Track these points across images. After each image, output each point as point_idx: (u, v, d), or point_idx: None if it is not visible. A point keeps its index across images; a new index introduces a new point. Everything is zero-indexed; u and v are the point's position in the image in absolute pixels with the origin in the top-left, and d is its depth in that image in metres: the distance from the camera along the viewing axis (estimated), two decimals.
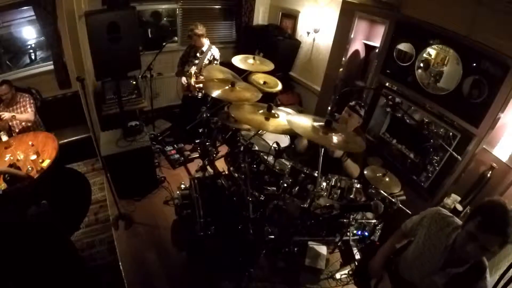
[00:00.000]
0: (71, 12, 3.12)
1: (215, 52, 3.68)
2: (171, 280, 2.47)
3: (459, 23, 2.35)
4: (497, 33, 2.14)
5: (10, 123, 3.14)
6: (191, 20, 4.08)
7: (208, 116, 2.69)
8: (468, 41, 2.29)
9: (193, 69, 3.68)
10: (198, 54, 3.66)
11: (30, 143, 2.91)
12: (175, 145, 4.00)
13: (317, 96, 4.19)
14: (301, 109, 4.49)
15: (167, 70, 4.29)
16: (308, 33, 4.22)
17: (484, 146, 2.33)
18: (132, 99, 3.89)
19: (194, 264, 2.56)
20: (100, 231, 2.89)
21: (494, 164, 2.31)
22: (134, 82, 3.94)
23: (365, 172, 2.37)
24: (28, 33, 3.91)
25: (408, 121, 2.87)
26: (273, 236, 2.32)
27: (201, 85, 3.59)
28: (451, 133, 2.51)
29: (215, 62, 3.70)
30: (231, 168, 2.47)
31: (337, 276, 2.64)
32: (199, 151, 3.27)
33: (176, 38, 4.26)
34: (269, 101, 2.24)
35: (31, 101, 3.20)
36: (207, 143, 2.79)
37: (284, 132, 2.02)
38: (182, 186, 3.13)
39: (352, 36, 3.47)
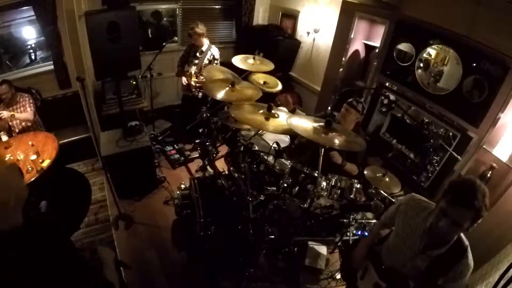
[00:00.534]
0: (71, 12, 3.13)
1: (215, 51, 3.67)
2: (171, 280, 2.47)
3: (459, 23, 2.35)
4: (497, 33, 2.14)
5: (10, 123, 3.13)
6: (191, 20, 4.08)
7: (208, 116, 2.69)
8: (468, 41, 2.29)
9: (193, 69, 3.68)
10: (198, 54, 3.66)
11: (30, 143, 2.91)
12: (175, 145, 4.00)
13: (317, 96, 4.20)
14: (301, 109, 4.49)
15: (167, 70, 4.29)
16: (308, 33, 4.22)
17: (484, 146, 2.33)
18: (132, 99, 3.89)
19: (194, 264, 2.55)
20: (100, 231, 2.88)
21: (494, 164, 2.31)
22: (134, 82, 3.94)
23: (365, 172, 2.37)
24: (28, 33, 3.90)
25: (408, 121, 2.88)
26: (273, 236, 2.32)
27: (201, 84, 3.59)
28: (451, 133, 2.51)
29: (215, 61, 3.69)
30: (231, 168, 2.47)
31: (337, 276, 2.64)
32: (199, 151, 3.27)
33: (176, 38, 4.26)
34: (269, 101, 2.25)
35: (31, 101, 3.20)
36: (207, 143, 2.79)
37: (284, 132, 2.02)
38: (182, 186, 3.13)
39: (352, 36, 3.47)
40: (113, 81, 3.37)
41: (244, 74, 2.95)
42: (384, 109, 3.15)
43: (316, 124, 1.91)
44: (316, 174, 2.09)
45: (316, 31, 4.09)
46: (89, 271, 1.63)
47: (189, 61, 3.74)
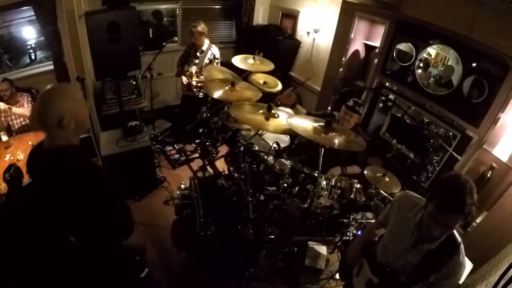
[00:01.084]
0: (71, 12, 3.13)
1: (215, 51, 3.68)
2: (171, 280, 2.47)
3: (459, 23, 2.35)
4: (497, 33, 2.14)
5: (10, 122, 3.14)
6: (191, 20, 4.08)
7: (208, 116, 2.69)
8: (468, 41, 2.29)
9: (193, 69, 3.68)
10: (198, 54, 3.66)
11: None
12: (175, 145, 4.00)
13: (317, 96, 4.20)
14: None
15: (167, 70, 4.29)
16: (308, 33, 4.22)
17: (484, 146, 2.33)
18: (132, 99, 3.88)
19: (194, 264, 2.55)
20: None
21: (494, 164, 2.31)
22: (134, 82, 3.93)
23: (365, 172, 2.37)
24: (28, 33, 3.91)
25: (408, 121, 2.88)
26: (273, 236, 2.32)
27: (202, 84, 3.59)
28: (451, 133, 2.51)
29: (216, 61, 3.70)
30: (231, 168, 2.47)
31: (337, 276, 2.64)
32: (199, 151, 3.27)
33: (176, 38, 4.26)
34: (269, 101, 2.25)
35: (29, 99, 3.20)
36: (207, 143, 2.79)
37: (284, 132, 2.02)
38: (182, 186, 3.13)
39: (352, 36, 3.47)
40: (113, 81, 3.37)
41: (244, 74, 2.95)
42: (384, 109, 3.15)
43: (316, 124, 1.91)
44: (316, 174, 2.09)
45: (316, 31, 4.09)
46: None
47: (189, 60, 3.74)
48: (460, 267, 1.28)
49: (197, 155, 3.82)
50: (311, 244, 2.71)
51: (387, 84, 3.04)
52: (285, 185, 2.15)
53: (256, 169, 2.29)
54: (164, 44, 3.54)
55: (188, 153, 3.92)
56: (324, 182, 2.21)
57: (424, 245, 1.32)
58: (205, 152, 2.82)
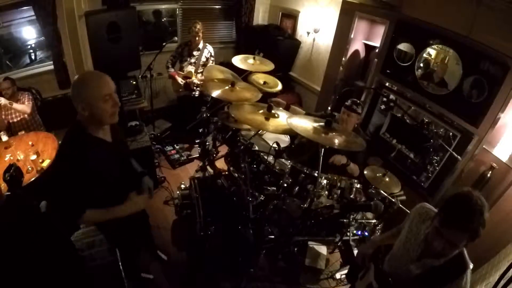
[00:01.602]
0: (71, 12, 3.13)
1: (211, 49, 3.72)
2: (171, 280, 2.47)
3: (459, 23, 2.35)
4: (497, 33, 2.14)
5: (11, 120, 3.14)
6: (191, 20, 4.08)
7: (208, 116, 2.69)
8: (468, 41, 2.29)
9: (191, 68, 3.68)
10: (194, 52, 3.66)
11: (30, 143, 2.91)
12: (175, 145, 4.01)
13: (317, 96, 4.19)
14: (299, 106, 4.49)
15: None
16: (308, 33, 4.22)
17: (484, 146, 2.33)
18: (132, 99, 3.89)
19: (194, 264, 2.55)
20: (100, 231, 2.88)
21: (494, 164, 2.31)
22: (134, 82, 3.94)
23: (365, 172, 2.37)
24: (28, 33, 3.91)
25: (408, 121, 2.88)
26: (273, 236, 2.32)
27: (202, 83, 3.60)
28: (451, 133, 2.51)
29: (212, 59, 3.74)
30: (231, 168, 2.47)
31: (337, 276, 2.64)
32: (199, 151, 3.27)
33: (176, 38, 4.26)
34: None
35: (30, 97, 3.20)
36: (207, 143, 2.79)
37: (284, 132, 2.02)
38: (182, 186, 3.13)
39: (352, 36, 3.47)
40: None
41: (244, 74, 2.96)
42: (384, 109, 3.15)
43: (316, 124, 1.91)
44: (316, 174, 2.09)
45: (316, 31, 4.09)
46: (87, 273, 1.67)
47: (183, 60, 3.72)
48: None
49: (197, 155, 3.83)
50: (311, 244, 2.71)
51: (387, 84, 3.04)
52: (285, 185, 2.15)
53: (256, 169, 2.29)
54: (164, 44, 3.54)
55: (188, 153, 3.92)
56: (324, 182, 2.21)
57: (427, 260, 1.29)
58: (205, 152, 2.82)
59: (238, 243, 2.34)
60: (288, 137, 2.84)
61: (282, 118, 2.04)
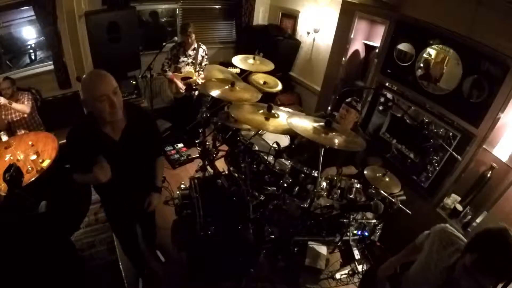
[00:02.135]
0: (71, 12, 3.13)
1: (204, 48, 3.75)
2: (171, 280, 2.47)
3: (459, 23, 2.34)
4: (497, 33, 2.13)
5: (10, 120, 3.14)
6: (191, 20, 4.08)
7: (208, 116, 2.69)
8: (468, 41, 2.29)
9: (190, 68, 3.68)
10: (191, 52, 3.66)
11: (30, 143, 2.91)
12: (175, 145, 4.00)
13: (317, 96, 4.19)
14: (301, 109, 4.49)
15: None
16: (308, 33, 4.22)
17: (484, 146, 2.33)
18: (132, 99, 3.89)
19: (194, 264, 2.55)
20: (100, 231, 2.88)
21: (494, 164, 2.31)
22: (134, 82, 3.94)
23: (365, 172, 2.37)
24: (28, 33, 3.91)
25: (408, 121, 2.88)
26: (273, 236, 2.32)
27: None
28: (451, 133, 2.51)
29: (206, 57, 3.77)
30: (231, 168, 2.47)
31: (337, 276, 2.64)
32: (199, 151, 3.27)
33: (176, 38, 4.26)
34: (269, 101, 2.24)
35: (30, 97, 3.20)
36: (207, 143, 2.79)
37: (284, 132, 2.02)
38: (182, 186, 3.13)
39: (352, 36, 3.47)
40: None
41: (244, 74, 2.96)
42: (384, 109, 3.15)
43: (316, 124, 1.91)
44: (316, 174, 2.09)
45: (316, 31, 4.09)
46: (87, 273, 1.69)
47: (180, 62, 3.70)
48: None
49: (197, 155, 3.83)
50: (311, 244, 2.71)
51: (387, 84, 3.04)
52: (285, 185, 2.15)
53: (256, 169, 2.29)
54: (164, 44, 3.54)
55: (188, 153, 3.93)
56: (324, 184, 2.21)
57: None
58: (205, 152, 2.82)
59: (238, 243, 2.33)
60: (288, 137, 2.84)
61: (282, 118, 2.04)
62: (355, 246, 2.75)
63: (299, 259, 2.63)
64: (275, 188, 2.22)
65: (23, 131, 3.22)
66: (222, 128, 2.62)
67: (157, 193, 1.85)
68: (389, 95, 2.99)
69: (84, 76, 1.43)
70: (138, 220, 2.10)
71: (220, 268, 2.42)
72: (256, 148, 2.38)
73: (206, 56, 3.78)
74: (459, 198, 2.53)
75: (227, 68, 3.06)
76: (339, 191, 2.25)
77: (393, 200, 2.23)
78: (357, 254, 2.72)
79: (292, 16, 4.49)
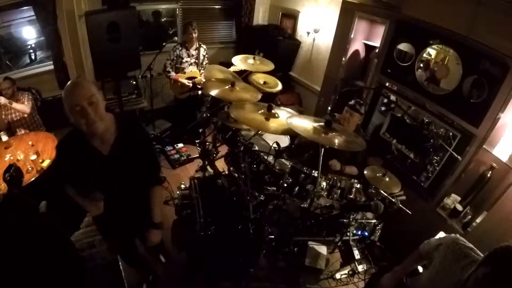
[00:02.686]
0: (71, 12, 3.13)
1: (205, 47, 3.79)
2: (171, 280, 2.47)
3: (459, 23, 2.34)
4: (497, 33, 2.13)
5: (10, 120, 3.14)
6: (191, 20, 4.09)
7: (208, 116, 2.69)
8: (468, 41, 2.29)
9: (193, 68, 3.69)
10: (193, 52, 3.67)
11: (30, 143, 2.91)
12: (175, 145, 4.01)
13: (317, 96, 4.19)
14: (301, 109, 4.49)
15: None
16: (308, 33, 4.22)
17: (484, 146, 2.33)
18: (132, 99, 3.89)
19: (194, 264, 2.55)
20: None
21: (494, 164, 2.30)
22: (134, 82, 3.94)
23: (365, 172, 2.37)
24: (28, 33, 3.91)
25: (408, 121, 2.88)
26: (273, 236, 2.32)
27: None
28: (451, 133, 2.51)
29: (207, 57, 3.81)
30: (231, 168, 2.47)
31: (337, 276, 2.64)
32: (199, 151, 3.27)
33: (176, 38, 4.27)
34: (269, 101, 2.24)
35: (30, 97, 3.21)
36: (207, 143, 2.79)
37: (284, 132, 2.02)
38: (182, 186, 3.13)
39: (352, 36, 3.47)
40: (113, 81, 3.38)
41: (244, 74, 2.96)
42: (384, 109, 3.15)
43: (316, 124, 1.91)
44: (316, 174, 2.09)
45: (316, 31, 4.08)
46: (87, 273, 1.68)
47: (183, 62, 3.71)
48: None
49: (197, 155, 3.83)
50: (311, 244, 2.71)
51: (387, 84, 3.04)
52: (285, 185, 2.15)
53: (256, 169, 2.29)
54: (164, 44, 3.54)
55: (188, 153, 3.92)
56: (324, 184, 2.21)
57: None
58: (205, 152, 2.82)
59: (238, 243, 2.33)
60: (288, 137, 2.84)
61: (282, 118, 2.04)
62: (355, 246, 2.75)
63: (299, 259, 2.63)
64: (275, 188, 2.22)
65: (23, 131, 3.22)
66: (222, 128, 2.62)
67: (155, 229, 1.68)
68: (392, 97, 2.99)
69: (70, 84, 1.37)
70: (136, 236, 1.96)
71: (220, 268, 2.42)
72: (256, 148, 2.39)
73: (206, 56, 3.81)
74: (459, 198, 2.53)
75: (229, 67, 3.05)
76: (339, 191, 2.26)
77: (393, 200, 2.24)
78: (357, 254, 2.72)
79: (292, 16, 4.49)
